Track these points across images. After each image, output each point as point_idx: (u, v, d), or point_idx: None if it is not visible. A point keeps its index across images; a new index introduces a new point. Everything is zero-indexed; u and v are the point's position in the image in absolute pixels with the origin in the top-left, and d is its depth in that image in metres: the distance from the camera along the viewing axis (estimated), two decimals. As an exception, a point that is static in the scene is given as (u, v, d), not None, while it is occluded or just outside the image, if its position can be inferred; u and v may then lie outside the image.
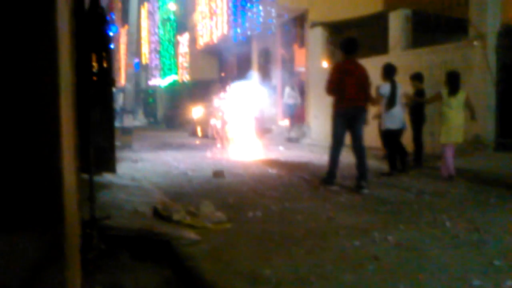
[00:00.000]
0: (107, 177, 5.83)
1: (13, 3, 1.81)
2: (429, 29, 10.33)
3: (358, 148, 6.41)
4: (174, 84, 27.59)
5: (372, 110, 7.72)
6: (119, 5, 32.35)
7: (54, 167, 1.87)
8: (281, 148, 11.94)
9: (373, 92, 7.19)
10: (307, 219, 4.71)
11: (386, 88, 7.32)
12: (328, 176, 6.57)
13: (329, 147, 6.71)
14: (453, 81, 7.04)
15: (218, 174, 7.37)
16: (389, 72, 7.49)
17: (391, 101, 7.25)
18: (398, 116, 7.38)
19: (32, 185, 1.84)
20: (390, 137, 7.51)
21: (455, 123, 6.96)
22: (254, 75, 14.24)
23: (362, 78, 6.42)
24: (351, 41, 6.70)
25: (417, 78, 8.26)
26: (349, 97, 6.28)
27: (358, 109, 6.39)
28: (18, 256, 1.78)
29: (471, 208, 5.16)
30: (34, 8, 1.83)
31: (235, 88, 11.97)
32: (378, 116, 7.91)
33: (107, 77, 5.29)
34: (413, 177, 7.22)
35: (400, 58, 10.49)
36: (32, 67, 1.85)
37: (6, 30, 1.80)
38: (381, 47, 11.12)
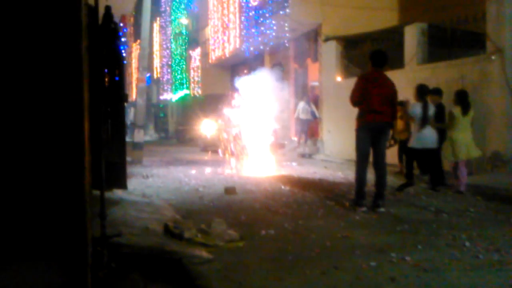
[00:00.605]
0: (117, 193, 5.85)
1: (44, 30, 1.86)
2: (446, 43, 10.31)
3: (380, 165, 6.29)
4: (185, 98, 27.77)
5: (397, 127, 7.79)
6: (131, 19, 32.81)
7: (79, 194, 1.89)
8: (294, 164, 11.91)
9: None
10: (322, 238, 4.67)
11: (417, 108, 7.36)
12: (357, 196, 6.27)
13: (355, 163, 6.48)
14: (464, 100, 7.30)
15: (229, 190, 7.36)
16: (422, 92, 7.56)
17: (423, 121, 7.27)
18: (429, 137, 7.36)
19: (59, 213, 1.87)
20: (413, 156, 7.60)
21: (467, 141, 7.22)
22: (267, 88, 14.28)
23: (390, 92, 6.27)
24: (381, 53, 6.57)
25: (436, 92, 8.21)
26: (374, 111, 6.12)
27: (384, 124, 6.23)
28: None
29: (491, 228, 5.07)
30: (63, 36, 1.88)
31: (247, 102, 12.00)
32: (401, 134, 8.01)
33: (120, 92, 5.34)
34: (430, 195, 7.14)
35: (416, 73, 10.48)
36: (61, 87, 1.89)
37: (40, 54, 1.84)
38: (396, 61, 11.10)
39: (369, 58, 6.45)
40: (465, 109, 7.20)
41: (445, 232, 4.84)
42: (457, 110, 7.22)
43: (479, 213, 5.89)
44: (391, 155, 8.27)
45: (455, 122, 7.22)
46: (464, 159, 7.28)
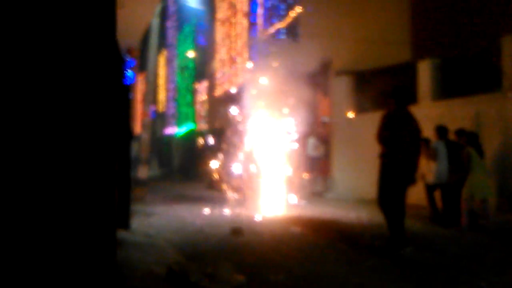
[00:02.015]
0: (119, 233, 5.83)
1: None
2: (460, 78, 10.38)
3: (398, 206, 6.18)
4: (190, 133, 27.94)
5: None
6: (137, 52, 33.42)
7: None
8: (304, 202, 11.84)
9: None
10: (334, 285, 4.59)
11: (441, 145, 8.05)
12: (396, 241, 5.99)
13: (382, 205, 6.26)
14: (476, 143, 7.75)
15: (236, 232, 7.30)
16: (442, 133, 8.26)
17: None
18: (445, 172, 8.06)
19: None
20: (433, 191, 8.21)
21: (483, 181, 7.60)
22: (276, 123, 14.36)
23: (416, 130, 6.25)
24: (404, 89, 6.56)
25: (461, 134, 8.31)
26: (402, 149, 6.08)
27: (410, 163, 6.17)
28: None
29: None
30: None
31: (255, 138, 12.05)
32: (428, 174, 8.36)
33: (126, 128, 5.40)
34: (447, 237, 7.05)
35: (430, 109, 10.52)
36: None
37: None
38: (410, 98, 11.17)
39: (391, 95, 6.40)
40: (480, 153, 7.64)
41: (465, 279, 4.76)
42: (471, 150, 7.57)
43: (499, 258, 5.79)
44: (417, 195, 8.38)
45: (473, 162, 7.50)
46: (478, 199, 7.63)
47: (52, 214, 1.99)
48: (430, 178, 8.24)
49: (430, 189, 8.43)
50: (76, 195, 2.11)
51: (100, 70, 3.82)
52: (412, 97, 6.57)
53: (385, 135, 6.20)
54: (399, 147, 6.08)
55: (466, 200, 7.60)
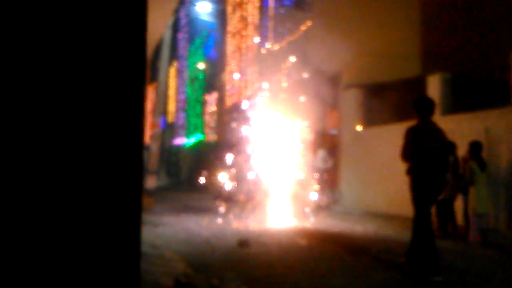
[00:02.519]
0: (127, 243, 5.85)
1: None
2: (470, 93, 10.37)
3: (423, 223, 5.88)
4: (199, 143, 28.04)
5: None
6: (149, 63, 33.77)
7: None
8: (310, 215, 11.80)
9: None
10: (340, 298, 4.58)
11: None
12: (431, 263, 5.60)
13: (416, 222, 5.89)
14: (479, 156, 7.62)
15: (243, 243, 7.29)
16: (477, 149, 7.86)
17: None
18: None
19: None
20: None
21: (484, 195, 7.49)
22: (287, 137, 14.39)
23: (443, 143, 6.00)
24: (427, 101, 6.25)
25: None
26: (428, 164, 5.76)
27: (438, 178, 5.84)
28: None
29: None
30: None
31: (264, 149, 12.07)
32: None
33: (139, 140, 5.46)
34: (454, 252, 7.00)
35: (440, 124, 10.47)
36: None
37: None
38: (419, 112, 11.17)
39: (414, 107, 6.10)
40: (482, 167, 7.51)
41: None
42: (473, 163, 7.50)
43: (507, 276, 5.73)
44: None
45: (476, 176, 7.47)
46: (480, 213, 7.48)
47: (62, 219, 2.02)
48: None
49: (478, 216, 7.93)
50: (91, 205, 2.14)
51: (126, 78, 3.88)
52: (434, 109, 6.17)
53: (410, 150, 5.88)
54: (425, 161, 5.77)
55: (475, 215, 7.52)
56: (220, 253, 6.78)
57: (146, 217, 10.39)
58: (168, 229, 9.10)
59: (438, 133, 5.98)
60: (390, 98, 12.55)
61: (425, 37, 12.34)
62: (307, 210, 11.95)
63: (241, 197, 13.38)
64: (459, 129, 9.84)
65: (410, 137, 5.97)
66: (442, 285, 5.15)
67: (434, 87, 10.92)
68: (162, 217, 10.93)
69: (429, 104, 6.13)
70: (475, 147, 7.68)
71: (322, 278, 5.36)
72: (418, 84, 11.43)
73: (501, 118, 9.21)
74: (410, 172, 5.94)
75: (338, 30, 13.53)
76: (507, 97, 9.16)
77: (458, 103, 10.57)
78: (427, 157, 5.78)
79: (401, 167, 11.93)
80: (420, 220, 5.80)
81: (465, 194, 8.08)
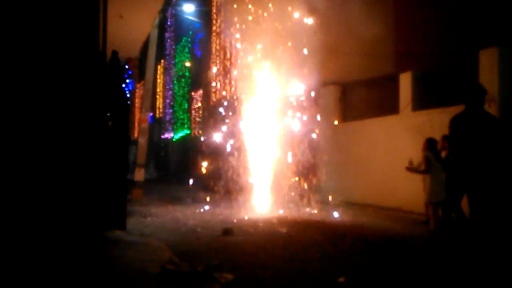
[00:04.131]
0: (115, 233, 5.79)
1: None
2: (440, 90, 10.45)
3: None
4: (185, 138, 27.91)
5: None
6: (136, 62, 33.46)
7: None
8: (291, 205, 11.84)
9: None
10: (319, 283, 4.59)
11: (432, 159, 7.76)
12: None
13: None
14: (435, 149, 7.79)
15: (227, 232, 7.29)
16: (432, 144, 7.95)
17: None
18: None
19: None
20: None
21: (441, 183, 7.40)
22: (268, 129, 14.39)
23: (491, 133, 5.32)
24: (478, 88, 5.63)
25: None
26: (467, 155, 5.26)
27: (477, 170, 5.28)
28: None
29: None
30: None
31: (249, 142, 12.06)
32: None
33: (124, 134, 5.39)
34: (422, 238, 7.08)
35: (411, 119, 10.60)
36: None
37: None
38: (392, 108, 11.25)
39: (464, 95, 5.58)
40: (438, 157, 7.66)
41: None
42: (429, 154, 7.71)
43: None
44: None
45: (432, 166, 7.63)
46: (435, 201, 7.51)
47: (45, 213, 1.99)
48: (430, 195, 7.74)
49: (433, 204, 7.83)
50: (72, 195, 2.10)
51: (99, 78, 3.81)
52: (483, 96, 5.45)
53: (451, 139, 5.52)
54: (464, 151, 5.26)
55: (430, 203, 7.61)
56: (205, 242, 6.76)
57: (136, 207, 10.33)
58: (156, 219, 9.05)
59: (486, 122, 5.28)
60: (366, 95, 12.62)
61: (397, 37, 12.41)
62: (288, 200, 11.99)
63: (226, 187, 13.35)
64: (430, 123, 9.94)
65: (452, 125, 5.49)
66: (414, 269, 5.20)
67: (405, 84, 11.00)
68: (151, 208, 10.85)
69: (479, 92, 5.55)
70: (431, 142, 7.91)
71: (302, 264, 5.38)
72: (391, 81, 11.51)
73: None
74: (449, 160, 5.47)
75: (316, 30, 13.55)
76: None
77: (428, 99, 10.66)
78: (464, 147, 5.24)
79: (375, 160, 12.07)
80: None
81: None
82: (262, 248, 6.27)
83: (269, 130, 11.75)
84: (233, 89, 19.72)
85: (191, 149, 25.37)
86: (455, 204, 5.77)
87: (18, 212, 1.96)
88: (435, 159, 7.67)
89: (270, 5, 11.91)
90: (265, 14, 11.89)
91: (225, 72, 20.93)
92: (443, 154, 7.87)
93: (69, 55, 2.29)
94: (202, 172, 17.84)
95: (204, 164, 17.42)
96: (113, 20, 8.61)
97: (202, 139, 24.10)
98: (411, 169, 8.32)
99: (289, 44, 12.02)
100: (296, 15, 12.10)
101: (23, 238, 1.94)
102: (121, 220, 5.62)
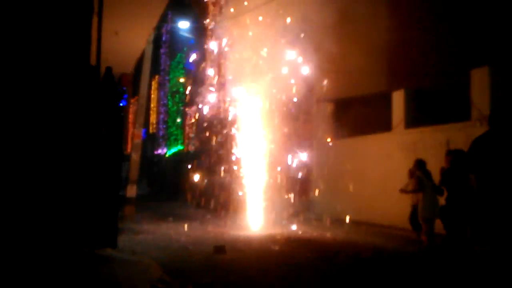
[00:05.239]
0: (106, 250, 5.76)
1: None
2: (432, 107, 10.55)
3: None
4: (179, 153, 27.89)
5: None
6: (130, 77, 33.60)
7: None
8: (284, 222, 11.83)
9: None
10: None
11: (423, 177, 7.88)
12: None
13: None
14: (425, 169, 7.93)
15: (219, 249, 7.26)
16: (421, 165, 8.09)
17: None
18: None
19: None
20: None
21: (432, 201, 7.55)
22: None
23: None
24: (504, 110, 5.26)
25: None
26: (488, 179, 5.03)
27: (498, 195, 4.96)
28: None
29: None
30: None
31: (240, 159, 12.08)
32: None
33: (118, 150, 5.39)
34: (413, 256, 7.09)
35: (403, 136, 10.69)
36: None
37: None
38: (384, 125, 11.34)
39: (489, 116, 5.31)
40: (427, 176, 7.79)
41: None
42: (420, 174, 7.86)
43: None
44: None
45: (424, 185, 7.72)
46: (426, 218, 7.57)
47: (36, 230, 2.01)
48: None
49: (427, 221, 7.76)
50: (63, 213, 2.13)
51: (91, 95, 3.85)
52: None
53: (470, 161, 5.27)
54: (485, 175, 5.05)
55: (422, 220, 7.64)
56: (197, 259, 6.74)
57: (127, 224, 10.28)
58: (148, 236, 9.00)
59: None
60: (359, 112, 12.71)
61: (390, 55, 12.55)
62: (281, 217, 11.98)
63: (218, 204, 13.33)
64: (422, 141, 10.03)
65: (472, 146, 5.21)
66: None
67: (398, 101, 11.11)
68: (142, 224, 10.80)
69: (506, 114, 5.19)
70: (420, 163, 8.09)
71: (294, 282, 5.38)
72: (384, 98, 11.62)
73: (462, 131, 9.38)
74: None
75: (311, 48, 13.70)
76: (467, 111, 9.36)
77: (421, 117, 10.76)
78: (485, 171, 5.02)
79: (368, 177, 12.11)
80: None
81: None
82: (254, 266, 6.26)
83: (262, 147, 11.78)
84: (226, 105, 19.83)
85: (184, 165, 25.32)
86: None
87: (9, 229, 1.98)
88: (426, 178, 7.80)
89: (261, 18, 12.03)
90: (260, 31, 12.00)
91: (219, 88, 21.05)
92: (446, 168, 7.75)
93: (63, 72, 2.32)
94: (195, 188, 17.79)
95: (197, 179, 17.38)
96: (108, 36, 8.69)
97: (195, 155, 24.12)
98: (404, 191, 8.46)
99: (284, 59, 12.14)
100: (290, 32, 12.23)
101: (13, 257, 1.95)
102: (113, 238, 5.60)
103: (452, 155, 7.17)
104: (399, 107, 11.08)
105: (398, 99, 11.12)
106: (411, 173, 8.51)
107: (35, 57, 2.18)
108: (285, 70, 12.19)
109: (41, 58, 2.22)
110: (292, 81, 12.58)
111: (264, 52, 11.96)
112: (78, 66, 2.61)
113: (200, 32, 24.10)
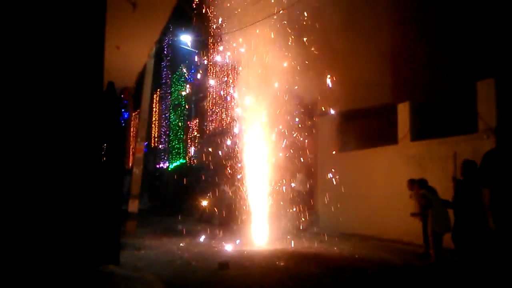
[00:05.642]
0: (109, 267, 5.70)
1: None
2: (438, 120, 10.50)
3: None
4: (181, 167, 27.84)
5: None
6: (132, 91, 33.72)
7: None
8: (288, 237, 11.73)
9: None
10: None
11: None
12: None
13: None
14: (428, 186, 7.96)
15: (223, 266, 7.18)
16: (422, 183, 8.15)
17: None
18: None
19: None
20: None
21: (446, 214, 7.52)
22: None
23: None
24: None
25: (413, 183, 8.62)
26: (498, 193, 5.03)
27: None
28: None
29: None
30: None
31: (244, 173, 12.03)
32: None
33: (119, 166, 5.36)
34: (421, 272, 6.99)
35: (409, 149, 10.62)
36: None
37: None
38: (390, 137, 11.28)
39: (494, 131, 5.49)
40: (433, 193, 7.80)
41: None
42: (426, 192, 7.86)
43: None
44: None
45: (432, 200, 7.69)
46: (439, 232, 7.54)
47: (37, 247, 1.96)
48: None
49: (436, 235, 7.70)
50: (65, 229, 2.08)
51: (94, 110, 3.81)
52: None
53: (483, 175, 5.24)
54: (498, 189, 5.04)
55: (432, 235, 7.56)
56: (200, 275, 6.66)
57: (129, 240, 10.20)
58: (150, 252, 8.92)
59: None
60: (363, 125, 12.68)
61: (395, 67, 12.55)
62: (286, 231, 11.88)
63: (222, 219, 13.25)
64: (429, 154, 9.96)
65: (483, 161, 5.26)
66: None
67: (403, 114, 11.06)
68: (144, 240, 10.72)
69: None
70: (421, 182, 8.15)
71: (299, 299, 5.29)
72: (389, 111, 11.57)
73: (469, 143, 9.32)
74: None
75: (315, 60, 13.72)
76: (473, 123, 9.30)
77: (426, 129, 10.70)
78: (495, 185, 5.02)
79: (374, 190, 12.04)
80: None
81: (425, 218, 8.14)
82: (258, 282, 6.17)
83: (267, 160, 11.72)
84: (229, 119, 19.83)
85: (186, 179, 25.26)
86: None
87: (11, 245, 1.93)
88: (431, 194, 7.77)
89: (265, 31, 12.07)
90: (263, 45, 12.03)
91: (222, 101, 21.09)
92: (460, 178, 7.62)
93: (65, 88, 2.29)
94: (198, 202, 17.71)
95: (200, 194, 17.32)
96: (110, 51, 8.70)
97: (197, 169, 24.08)
98: (415, 214, 8.39)
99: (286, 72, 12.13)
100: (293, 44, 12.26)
101: (14, 274, 1.90)
102: (115, 254, 5.53)
103: (465, 166, 7.07)
104: (404, 119, 11.03)
105: (403, 111, 11.08)
106: (411, 195, 8.57)
107: (40, 75, 2.16)
108: (289, 83, 12.18)
109: (49, 74, 2.20)
110: (297, 93, 12.59)
111: (267, 64, 11.96)
112: (86, 83, 2.58)
113: (202, 45, 24.22)
